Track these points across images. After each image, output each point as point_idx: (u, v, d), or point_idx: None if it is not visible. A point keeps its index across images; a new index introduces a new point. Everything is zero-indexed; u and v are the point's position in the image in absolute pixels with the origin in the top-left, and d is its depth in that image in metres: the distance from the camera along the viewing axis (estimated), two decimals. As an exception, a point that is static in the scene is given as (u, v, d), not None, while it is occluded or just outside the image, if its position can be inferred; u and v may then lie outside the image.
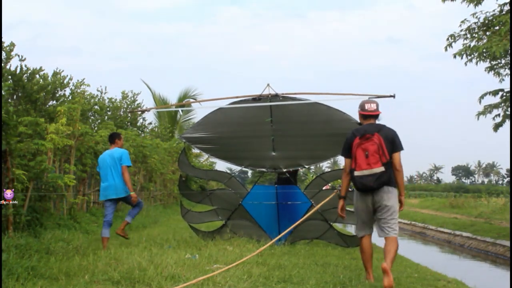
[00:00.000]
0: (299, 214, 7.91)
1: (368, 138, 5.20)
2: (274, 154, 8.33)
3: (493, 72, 13.52)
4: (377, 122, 5.42)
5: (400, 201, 5.40)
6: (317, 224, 8.19)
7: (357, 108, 5.50)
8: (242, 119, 8.02)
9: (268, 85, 7.65)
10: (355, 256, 7.34)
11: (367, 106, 5.42)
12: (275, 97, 7.61)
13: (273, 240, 7.47)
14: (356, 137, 5.28)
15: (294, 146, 8.34)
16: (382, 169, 5.11)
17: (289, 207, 8.16)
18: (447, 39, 12.89)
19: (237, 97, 7.80)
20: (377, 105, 5.45)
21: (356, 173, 5.22)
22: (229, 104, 7.80)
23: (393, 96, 7.25)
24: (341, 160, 6.65)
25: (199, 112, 20.70)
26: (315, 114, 7.81)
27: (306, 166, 8.60)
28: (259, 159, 8.62)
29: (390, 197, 5.21)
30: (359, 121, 5.82)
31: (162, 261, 5.65)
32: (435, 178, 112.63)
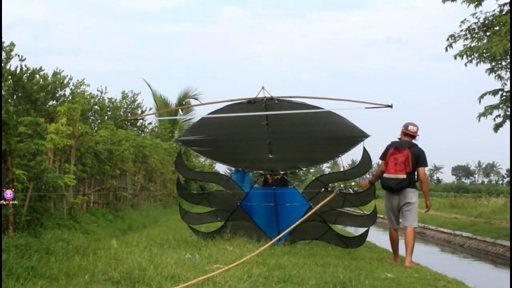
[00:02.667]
0: (297, 215, 7.89)
1: (400, 150, 6.78)
2: (271, 156, 8.29)
3: (493, 74, 13.51)
4: (413, 141, 6.98)
5: (426, 205, 7.22)
6: (316, 225, 8.18)
7: (402, 127, 7.06)
8: (238, 122, 7.95)
9: (263, 87, 7.47)
10: (355, 256, 7.35)
11: (410, 127, 7.01)
12: (270, 100, 7.47)
13: (273, 240, 7.48)
14: (391, 148, 6.88)
15: (291, 148, 8.31)
16: (404, 176, 6.73)
17: (288, 209, 8.14)
18: (447, 39, 12.87)
19: (231, 100, 7.67)
20: (417, 129, 7.04)
21: (385, 175, 6.85)
22: (224, 107, 7.69)
23: (391, 106, 7.23)
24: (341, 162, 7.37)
25: (199, 112, 20.70)
26: (312, 117, 7.74)
27: (304, 168, 8.59)
28: (256, 162, 8.60)
29: (412, 196, 6.83)
30: (357, 125, 7.45)
31: (162, 261, 5.66)
32: (435, 178, 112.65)
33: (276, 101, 7.49)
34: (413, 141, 6.97)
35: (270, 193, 8.21)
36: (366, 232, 8.24)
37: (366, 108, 7.28)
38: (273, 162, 8.37)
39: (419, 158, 6.77)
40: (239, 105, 7.63)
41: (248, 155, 8.52)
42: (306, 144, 8.22)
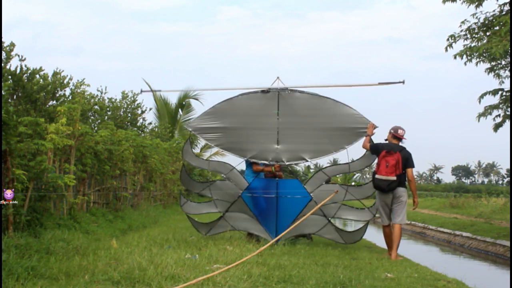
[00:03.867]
0: (298, 208, 8.00)
1: (391, 154, 7.40)
2: (278, 147, 8.36)
3: (493, 73, 13.51)
4: (401, 144, 7.63)
5: (414, 202, 7.86)
6: (315, 219, 8.14)
7: (390, 130, 7.68)
8: (249, 111, 8.28)
9: (277, 78, 8.09)
10: (355, 256, 7.35)
11: (399, 131, 7.62)
12: (284, 90, 7.99)
13: (273, 241, 7.50)
14: (383, 150, 7.47)
15: (298, 139, 8.36)
16: (394, 178, 7.34)
17: (289, 201, 8.16)
18: (447, 39, 12.85)
19: (246, 88, 8.26)
20: (405, 132, 7.65)
21: (377, 176, 7.45)
22: (238, 95, 8.26)
23: (403, 82, 7.87)
24: (341, 158, 7.59)
25: (199, 111, 20.72)
26: (322, 108, 8.07)
27: (309, 160, 8.54)
28: (263, 151, 8.53)
29: (403, 194, 7.50)
30: (365, 116, 7.82)
31: (162, 261, 5.66)
32: (435, 178, 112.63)
33: (288, 92, 8.03)
34: (401, 143, 7.63)
35: (273, 183, 8.24)
36: (365, 226, 8.23)
37: (379, 83, 7.96)
38: (279, 153, 8.38)
39: (407, 160, 7.46)
40: (253, 95, 8.17)
41: (256, 144, 8.50)
42: (313, 135, 8.28)
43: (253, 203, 8.29)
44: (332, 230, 8.27)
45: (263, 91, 8.08)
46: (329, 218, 8.25)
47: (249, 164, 8.80)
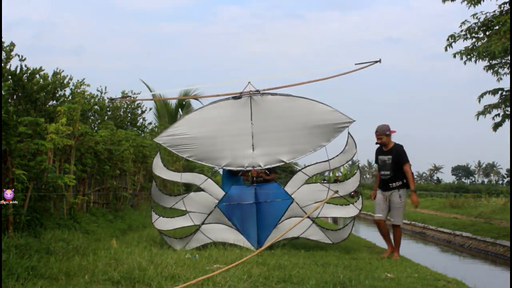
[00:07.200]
0: (279, 212, 7.78)
1: None
2: (253, 152, 8.11)
3: (491, 71, 13.51)
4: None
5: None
6: (298, 220, 7.82)
7: (387, 132, 7.93)
8: (221, 119, 8.08)
9: (249, 82, 7.98)
10: (355, 256, 7.35)
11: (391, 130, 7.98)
12: (256, 93, 7.90)
13: (273, 241, 7.47)
14: None
15: (274, 142, 8.13)
16: None
17: (269, 206, 7.88)
18: (447, 39, 12.87)
19: (217, 95, 8.10)
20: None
21: None
22: (208, 104, 8.19)
23: (379, 61, 8.01)
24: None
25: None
26: (296, 109, 7.95)
27: (287, 161, 8.36)
28: (238, 158, 8.24)
29: None
30: (341, 112, 7.78)
31: (162, 261, 5.67)
32: (435, 178, 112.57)
33: (261, 95, 7.94)
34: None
35: (251, 190, 7.98)
36: (352, 223, 8.03)
37: (355, 64, 7.97)
38: (255, 157, 8.11)
39: None
40: (224, 102, 8.04)
41: (230, 152, 8.20)
42: (289, 136, 8.06)
43: (231, 212, 7.92)
44: (318, 231, 7.94)
45: (234, 97, 7.93)
46: (313, 219, 7.95)
47: (226, 172, 8.54)
